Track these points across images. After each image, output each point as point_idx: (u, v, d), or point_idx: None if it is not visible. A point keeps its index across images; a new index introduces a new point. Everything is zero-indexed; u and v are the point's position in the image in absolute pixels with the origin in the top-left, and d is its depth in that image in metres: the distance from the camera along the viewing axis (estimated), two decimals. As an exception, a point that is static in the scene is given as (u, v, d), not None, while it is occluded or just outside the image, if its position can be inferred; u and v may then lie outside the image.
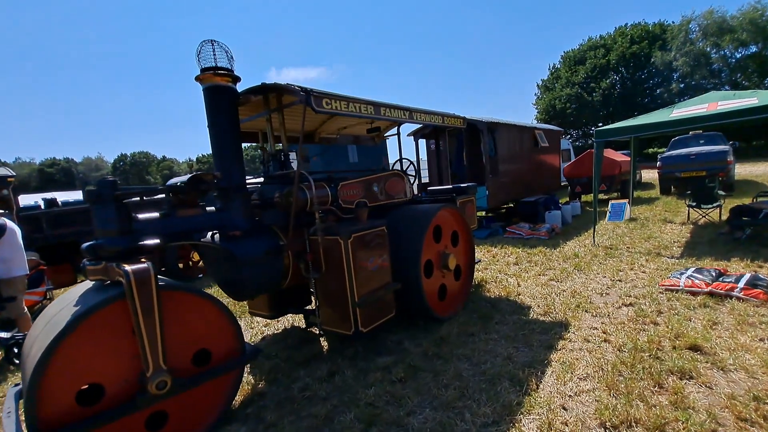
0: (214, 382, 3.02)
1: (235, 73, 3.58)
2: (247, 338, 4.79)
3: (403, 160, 5.53)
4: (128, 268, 2.50)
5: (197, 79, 3.42)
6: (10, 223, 4.77)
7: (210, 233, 3.34)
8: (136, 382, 2.62)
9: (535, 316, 4.52)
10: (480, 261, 6.16)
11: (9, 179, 7.11)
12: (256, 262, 3.43)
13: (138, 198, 3.25)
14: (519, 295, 5.30)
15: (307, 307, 4.39)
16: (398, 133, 6.23)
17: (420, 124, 4.76)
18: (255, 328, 5.03)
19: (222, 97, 3.49)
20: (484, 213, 11.64)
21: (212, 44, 3.47)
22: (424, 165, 13.62)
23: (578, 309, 4.60)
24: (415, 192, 5.61)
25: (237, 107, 3.64)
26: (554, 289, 5.40)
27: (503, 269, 6.60)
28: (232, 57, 3.59)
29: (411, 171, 5.65)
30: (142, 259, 2.68)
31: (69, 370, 2.40)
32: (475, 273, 6.35)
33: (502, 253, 7.79)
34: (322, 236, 3.52)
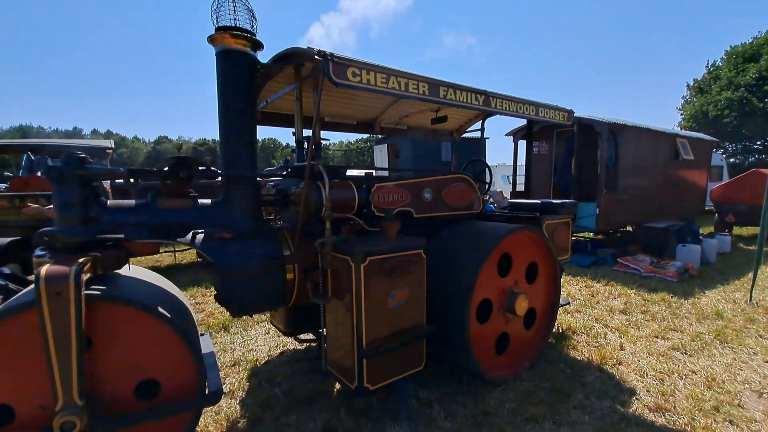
0: (163, 423, 2.36)
1: (257, 36, 2.86)
2: (265, 348, 4.18)
3: (476, 162, 4.33)
4: (42, 269, 1.92)
5: (209, 40, 2.76)
6: None
7: (192, 232, 2.68)
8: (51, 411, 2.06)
9: (639, 410, 3.03)
10: (569, 303, 4.68)
11: (108, 150, 7.70)
12: (242, 274, 2.69)
13: (130, 180, 2.72)
14: (619, 364, 3.76)
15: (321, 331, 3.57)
16: (482, 129, 5.03)
17: (500, 114, 3.53)
18: (278, 338, 4.41)
19: (235, 65, 2.79)
20: (590, 235, 9.57)
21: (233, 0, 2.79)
22: (522, 171, 11.90)
23: (716, 413, 2.97)
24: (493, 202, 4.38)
25: (253, 78, 2.92)
26: (678, 366, 3.72)
27: (603, 317, 4.96)
28: (254, 17, 2.88)
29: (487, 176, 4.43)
30: (81, 259, 2.11)
31: (-37, 388, 1.91)
32: (560, 316, 4.86)
33: (605, 291, 6.03)
34: (328, 252, 2.63)
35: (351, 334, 2.63)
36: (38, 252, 2.36)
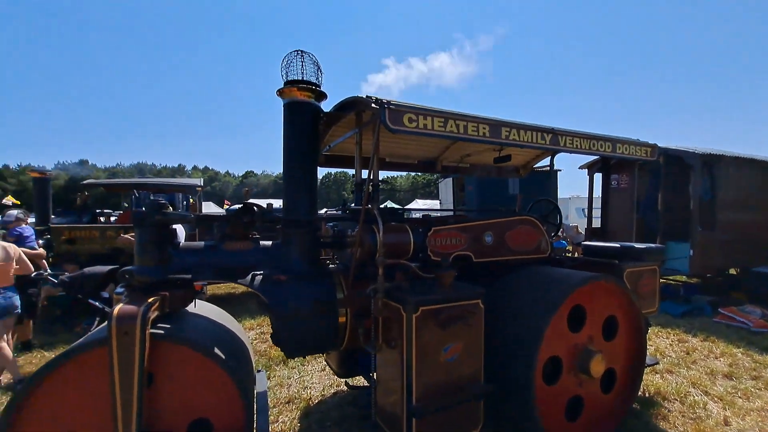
0: (213, 464, 2.38)
1: (321, 87, 2.99)
2: (320, 387, 4.15)
3: (544, 201, 4.04)
4: (115, 309, 2.07)
5: (278, 93, 2.94)
6: None
7: (252, 273, 2.77)
8: (116, 445, 2.17)
9: None
10: (657, 362, 4.05)
11: (198, 188, 8.56)
12: (295, 316, 2.70)
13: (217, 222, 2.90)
14: (725, 445, 3.13)
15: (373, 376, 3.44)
16: (551, 165, 4.74)
17: (570, 152, 3.28)
18: (334, 378, 4.36)
19: (300, 115, 2.93)
20: (683, 278, 8.46)
21: (301, 55, 2.96)
22: (597, 204, 11.00)
23: None
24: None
25: (316, 127, 3.03)
26: (808, 456, 3.00)
27: (701, 381, 4.23)
28: (320, 70, 3.02)
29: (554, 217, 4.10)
30: (150, 299, 2.26)
31: (43, 415, 2.09)
32: (646, 376, 4.24)
33: (704, 349, 5.18)
34: (379, 300, 2.54)
35: (401, 388, 2.48)
36: (118, 289, 2.59)
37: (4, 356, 4.30)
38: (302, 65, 2.96)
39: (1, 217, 5.66)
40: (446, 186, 16.14)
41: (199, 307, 2.92)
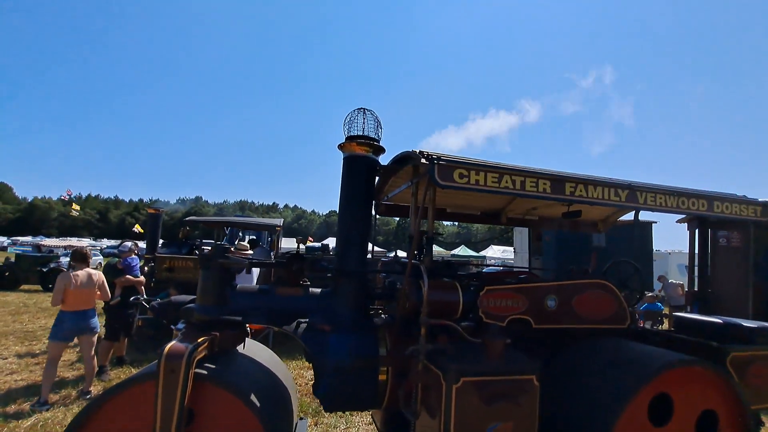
0: None
1: (380, 143, 3.07)
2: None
3: (623, 263, 3.57)
4: (166, 347, 2.21)
5: (339, 147, 3.08)
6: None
7: (298, 321, 2.79)
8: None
9: None
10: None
11: (277, 227, 9.30)
12: (335, 369, 2.63)
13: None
14: None
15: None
16: (635, 219, 4.23)
17: (653, 210, 2.89)
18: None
19: (356, 168, 3.02)
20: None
21: (363, 112, 3.10)
22: (677, 259, 9.50)
23: None
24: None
25: (372, 180, 3.09)
26: None
27: None
28: (380, 125, 3.13)
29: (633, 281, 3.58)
30: (200, 339, 2.38)
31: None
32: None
33: None
34: (418, 364, 2.38)
35: (438, 466, 2.25)
36: (179, 325, 2.78)
37: (90, 367, 4.92)
38: (363, 121, 3.08)
39: (119, 247, 6.60)
40: (521, 234, 15.29)
41: (249, 349, 3.01)
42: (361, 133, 3.01)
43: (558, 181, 2.58)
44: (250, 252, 7.23)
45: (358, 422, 4.42)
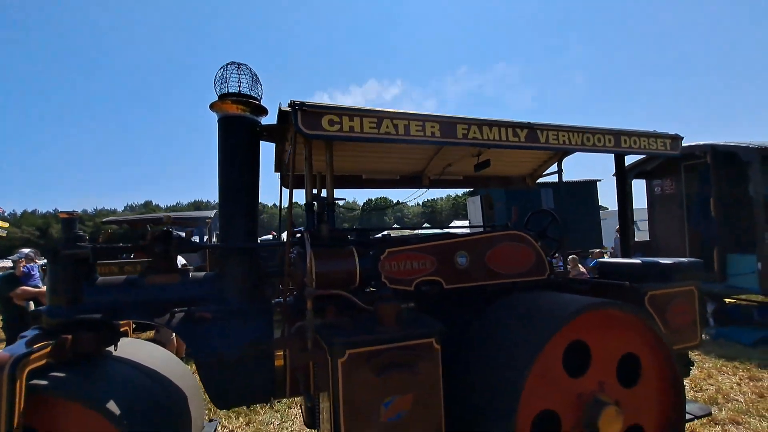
0: None
1: (261, 102, 2.71)
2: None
3: (542, 213, 3.41)
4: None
5: (211, 107, 2.68)
6: None
7: (173, 311, 2.42)
8: None
9: None
10: (710, 413, 3.10)
11: (207, 220, 8.77)
12: (221, 362, 2.29)
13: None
14: None
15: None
16: (559, 171, 4.09)
17: (559, 149, 2.70)
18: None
19: (233, 130, 2.65)
20: (758, 298, 7.10)
21: (238, 67, 2.71)
22: (643, 215, 9.81)
23: None
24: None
25: (254, 144, 2.73)
26: None
27: (780, 436, 3.24)
28: (258, 82, 2.75)
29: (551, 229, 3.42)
30: (40, 344, 1.97)
31: None
32: (698, 430, 3.35)
33: (785, 389, 4.08)
34: (295, 341, 2.09)
35: (332, 454, 1.97)
36: (28, 332, 2.34)
37: None
38: (238, 77, 2.70)
39: (14, 255, 5.87)
40: (474, 204, 15.36)
41: (130, 350, 2.61)
42: (237, 92, 2.63)
43: (447, 123, 2.31)
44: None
45: (295, 415, 4.12)
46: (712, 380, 4.42)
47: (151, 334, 6.69)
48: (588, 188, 13.35)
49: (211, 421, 3.10)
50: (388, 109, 2.20)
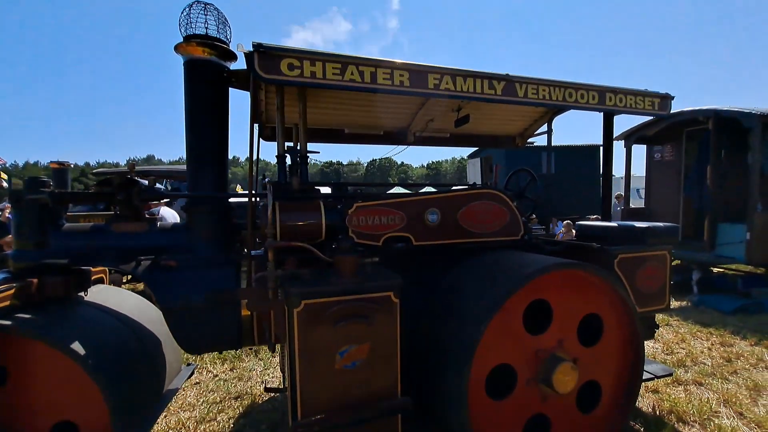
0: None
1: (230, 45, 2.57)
2: (277, 383, 3.81)
3: (522, 173, 3.34)
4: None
5: (175, 49, 2.56)
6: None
7: (139, 258, 2.43)
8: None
9: None
10: (671, 374, 3.17)
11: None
12: (185, 308, 2.33)
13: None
14: (749, 490, 2.35)
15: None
16: (549, 131, 3.98)
17: (538, 104, 2.59)
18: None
19: (199, 75, 2.54)
20: (746, 268, 7.14)
21: (204, 8, 2.55)
22: (640, 183, 9.68)
23: None
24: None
25: (223, 90, 2.63)
26: None
27: (738, 398, 3.34)
28: (226, 25, 2.61)
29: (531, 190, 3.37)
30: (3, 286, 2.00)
31: None
32: (663, 388, 3.46)
33: (753, 355, 4.17)
34: (271, 292, 2.11)
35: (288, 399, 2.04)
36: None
37: None
38: (205, 19, 2.55)
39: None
40: (474, 166, 15.16)
41: (102, 295, 2.66)
42: (204, 33, 2.50)
43: (418, 72, 2.20)
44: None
45: (276, 362, 4.27)
46: (684, 344, 4.52)
47: (141, 286, 6.83)
48: (589, 153, 13.08)
49: (188, 365, 3.22)
50: (354, 55, 2.08)
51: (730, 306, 5.60)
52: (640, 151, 8.22)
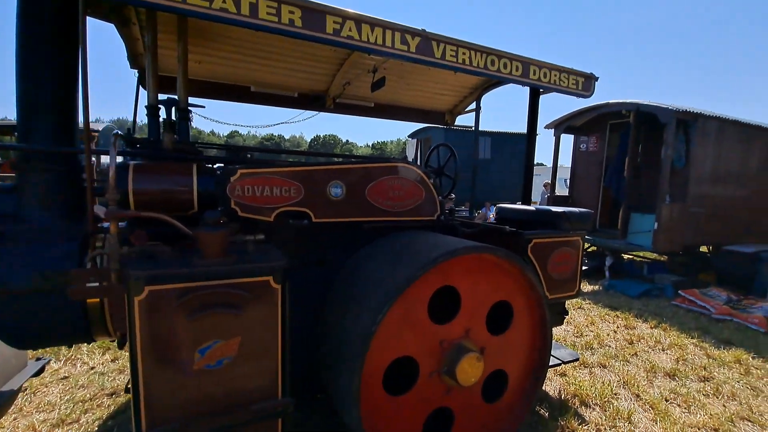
0: None
1: None
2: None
3: (443, 147, 3.11)
4: None
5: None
6: None
7: None
8: None
9: None
10: (577, 359, 3.22)
11: (93, 134, 7.61)
12: (3, 293, 1.81)
13: None
14: (639, 474, 2.36)
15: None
16: (477, 108, 3.76)
17: (452, 69, 2.31)
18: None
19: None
20: (654, 256, 7.70)
21: None
22: (565, 174, 10.09)
23: None
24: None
25: (68, 19, 2.03)
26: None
27: (635, 380, 3.46)
28: None
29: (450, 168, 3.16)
30: None
31: None
32: (571, 371, 3.49)
33: (651, 338, 4.41)
34: (114, 274, 1.65)
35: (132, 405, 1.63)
36: None
37: None
38: None
39: None
40: (412, 147, 15.09)
41: None
42: None
43: (313, 12, 1.81)
44: None
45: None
46: (593, 327, 4.68)
47: None
48: (524, 142, 13.47)
49: (38, 359, 2.65)
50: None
51: (636, 290, 5.95)
52: (569, 141, 8.48)
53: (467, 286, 2.22)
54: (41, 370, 2.58)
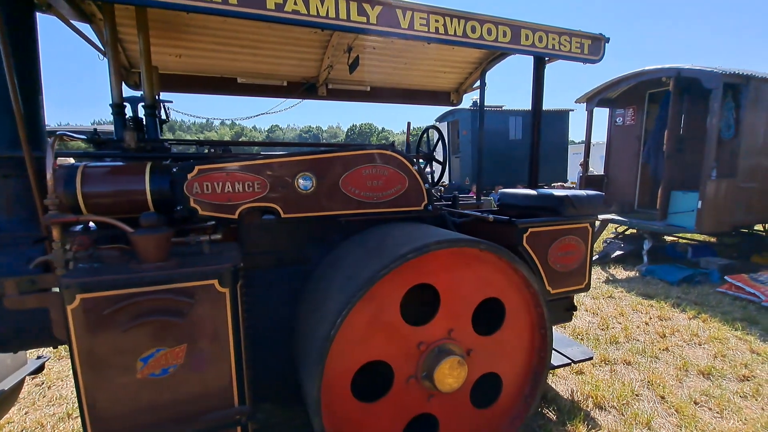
0: None
1: None
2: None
3: (432, 129, 2.85)
4: None
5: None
6: None
7: None
8: None
9: None
10: (591, 357, 2.90)
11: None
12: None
13: None
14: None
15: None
16: (482, 85, 3.46)
17: (414, 38, 2.05)
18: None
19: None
20: (702, 237, 6.99)
21: None
22: (599, 150, 9.38)
23: None
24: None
25: (25, 15, 1.98)
26: None
27: (662, 379, 3.11)
28: None
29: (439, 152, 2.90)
30: None
31: None
32: (588, 370, 3.20)
33: (687, 330, 3.97)
34: (59, 281, 1.61)
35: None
36: None
37: None
38: None
39: None
40: (443, 131, 14.56)
41: None
42: None
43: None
44: None
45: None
46: (622, 318, 4.30)
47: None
48: (559, 118, 12.65)
49: (38, 357, 2.74)
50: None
51: (676, 276, 5.42)
52: (604, 115, 7.79)
53: (447, 284, 2.01)
54: (41, 368, 2.67)
